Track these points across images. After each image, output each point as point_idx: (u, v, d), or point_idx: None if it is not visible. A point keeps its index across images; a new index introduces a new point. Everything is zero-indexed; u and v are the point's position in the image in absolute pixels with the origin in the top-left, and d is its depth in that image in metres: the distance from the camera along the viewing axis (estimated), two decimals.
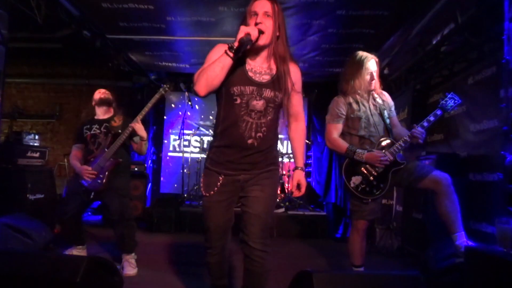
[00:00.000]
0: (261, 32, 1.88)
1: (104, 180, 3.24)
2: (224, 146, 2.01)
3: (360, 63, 2.77)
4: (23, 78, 7.65)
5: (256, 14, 1.91)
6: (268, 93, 1.94)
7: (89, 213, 6.11)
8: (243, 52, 1.88)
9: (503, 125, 2.96)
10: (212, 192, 2.03)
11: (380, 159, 2.63)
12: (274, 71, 1.98)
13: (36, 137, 5.07)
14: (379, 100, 2.86)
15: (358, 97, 2.80)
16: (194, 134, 6.88)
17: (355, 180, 2.71)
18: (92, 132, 3.38)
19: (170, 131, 7.31)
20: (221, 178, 2.02)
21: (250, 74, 1.95)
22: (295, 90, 2.04)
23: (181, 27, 4.63)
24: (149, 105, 3.28)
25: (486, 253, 2.18)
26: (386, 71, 5.27)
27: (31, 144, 4.72)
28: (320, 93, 6.87)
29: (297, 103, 2.10)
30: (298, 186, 2.08)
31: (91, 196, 3.27)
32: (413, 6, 3.79)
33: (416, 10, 3.86)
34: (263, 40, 1.91)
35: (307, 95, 7.04)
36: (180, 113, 7.07)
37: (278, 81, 1.96)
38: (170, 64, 6.11)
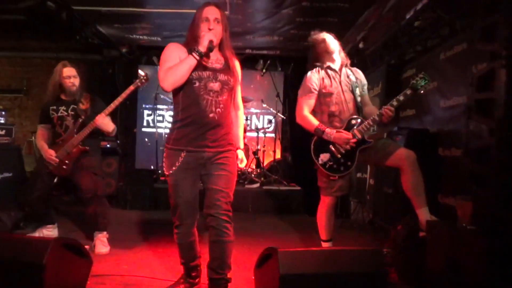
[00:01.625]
0: None
1: (69, 166, 3.21)
2: (186, 124, 2.18)
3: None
4: None
5: (207, 20, 2.18)
6: (222, 77, 2.21)
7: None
8: None
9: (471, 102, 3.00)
10: (174, 168, 2.18)
11: (347, 140, 2.66)
12: (223, 61, 2.26)
13: (3, 113, 4.89)
14: (352, 77, 2.86)
15: (331, 72, 2.80)
16: (168, 109, 6.76)
17: (323, 157, 2.73)
18: (59, 114, 3.27)
19: (143, 105, 7.15)
20: (183, 154, 2.18)
21: (203, 63, 2.18)
22: (238, 80, 2.32)
23: None
24: (120, 99, 3.14)
25: (446, 227, 2.27)
26: (361, 45, 5.25)
27: None
28: (296, 67, 6.80)
29: (238, 93, 2.40)
30: (241, 161, 2.38)
31: (55, 180, 3.24)
32: None
33: None
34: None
35: (283, 70, 6.97)
36: (153, 87, 6.87)
37: (228, 69, 2.25)
38: (141, 37, 5.87)
